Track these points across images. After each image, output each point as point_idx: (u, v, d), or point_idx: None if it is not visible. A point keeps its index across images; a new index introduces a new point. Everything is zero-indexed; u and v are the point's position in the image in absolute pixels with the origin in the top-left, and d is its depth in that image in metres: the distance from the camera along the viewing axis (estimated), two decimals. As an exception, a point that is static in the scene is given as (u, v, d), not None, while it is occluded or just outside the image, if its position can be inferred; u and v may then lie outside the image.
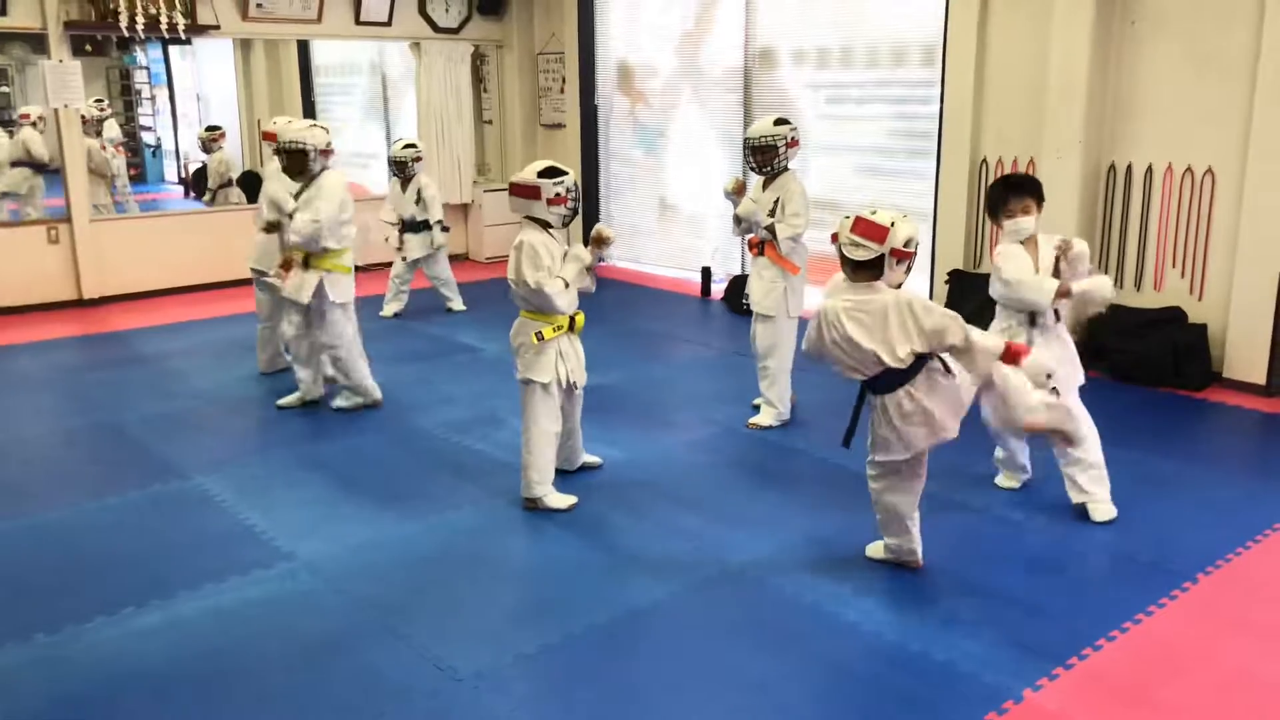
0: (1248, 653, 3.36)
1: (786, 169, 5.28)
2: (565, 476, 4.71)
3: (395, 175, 7.91)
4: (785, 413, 5.47)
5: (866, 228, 3.45)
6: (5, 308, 8.11)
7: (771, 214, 5.22)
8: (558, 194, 4.26)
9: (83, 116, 9.81)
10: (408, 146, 7.87)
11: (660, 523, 4.33)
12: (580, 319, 4.44)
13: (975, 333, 3.50)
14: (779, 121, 5.26)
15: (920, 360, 3.51)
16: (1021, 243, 4.15)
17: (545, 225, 4.32)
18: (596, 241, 4.41)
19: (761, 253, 5.32)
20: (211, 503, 4.56)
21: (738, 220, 5.43)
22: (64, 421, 5.78)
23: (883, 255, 3.45)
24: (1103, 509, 4.27)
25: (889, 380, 3.53)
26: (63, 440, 5.50)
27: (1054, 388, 4.00)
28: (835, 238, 3.56)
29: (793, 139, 5.22)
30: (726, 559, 3.98)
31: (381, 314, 8.01)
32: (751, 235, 5.39)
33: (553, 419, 4.41)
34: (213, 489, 4.70)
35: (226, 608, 3.65)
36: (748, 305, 5.61)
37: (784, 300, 5.29)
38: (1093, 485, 4.26)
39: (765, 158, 5.22)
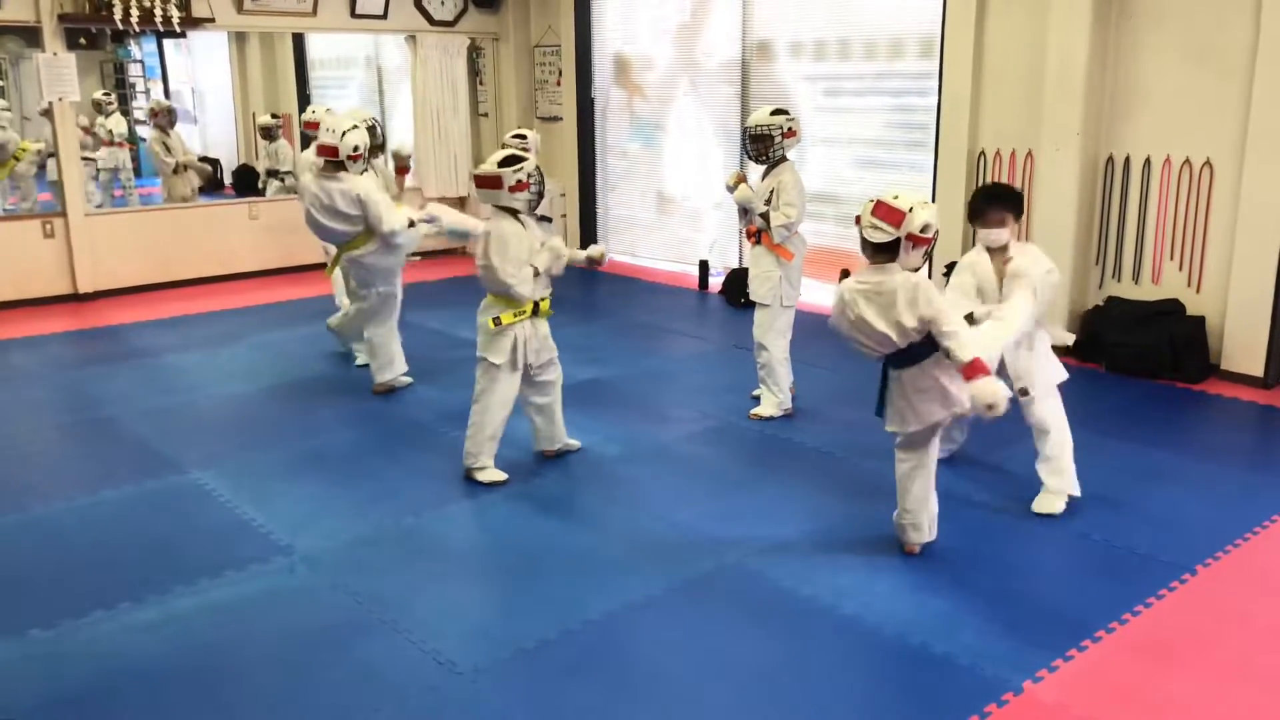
0: (1247, 645, 3.36)
1: (784, 158, 5.29)
2: (552, 462, 4.82)
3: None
4: (787, 401, 5.47)
5: (886, 211, 3.54)
6: (0, 302, 8.09)
7: (768, 203, 5.25)
8: (519, 180, 4.44)
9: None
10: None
11: (658, 516, 4.32)
12: (545, 305, 4.60)
13: (964, 336, 3.52)
14: (776, 111, 5.31)
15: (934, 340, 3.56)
16: (993, 251, 4.18)
17: (514, 213, 4.50)
18: (590, 260, 4.82)
19: (759, 241, 5.35)
20: (208, 497, 4.55)
21: (742, 211, 5.48)
22: (59, 416, 5.76)
23: (899, 239, 3.52)
24: (1045, 500, 4.31)
25: (907, 356, 3.60)
26: (58, 435, 5.48)
27: (1024, 389, 4.15)
28: (859, 220, 3.62)
29: (789, 129, 5.25)
30: (725, 552, 3.97)
31: None
32: (750, 224, 5.42)
33: (502, 399, 4.58)
34: (209, 483, 4.68)
35: (223, 602, 3.64)
36: (748, 298, 5.63)
37: (779, 288, 5.31)
38: (1049, 477, 4.32)
39: (762, 146, 5.27)
